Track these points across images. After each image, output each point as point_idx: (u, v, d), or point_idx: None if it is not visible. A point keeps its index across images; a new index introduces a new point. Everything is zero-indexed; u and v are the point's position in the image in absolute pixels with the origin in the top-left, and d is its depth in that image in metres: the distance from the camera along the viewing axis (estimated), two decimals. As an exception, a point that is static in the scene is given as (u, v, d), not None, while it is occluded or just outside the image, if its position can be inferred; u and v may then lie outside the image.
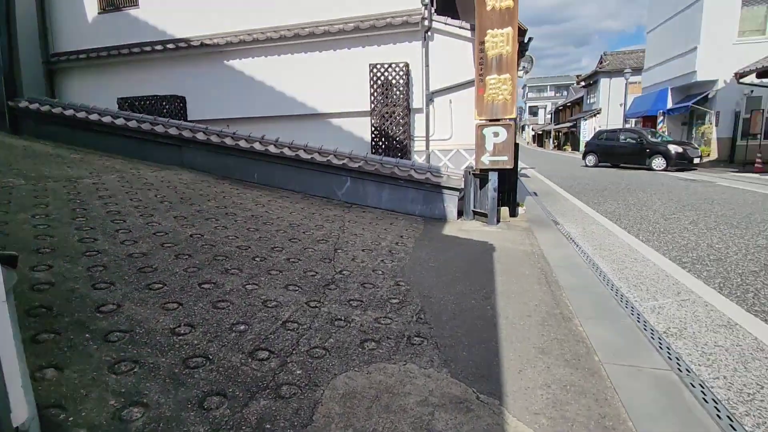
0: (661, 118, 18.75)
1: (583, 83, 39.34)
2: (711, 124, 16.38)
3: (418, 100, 7.14)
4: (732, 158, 16.31)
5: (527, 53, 14.40)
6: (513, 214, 7.01)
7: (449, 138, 7.16)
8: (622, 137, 16.38)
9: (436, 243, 5.06)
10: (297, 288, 3.02)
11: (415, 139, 7.32)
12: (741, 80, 12.74)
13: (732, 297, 3.24)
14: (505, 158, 5.95)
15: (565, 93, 69.57)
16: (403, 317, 2.75)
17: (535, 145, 62.41)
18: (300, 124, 7.84)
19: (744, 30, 15.78)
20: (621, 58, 33.19)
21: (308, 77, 7.64)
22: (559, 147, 44.06)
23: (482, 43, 5.73)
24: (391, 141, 7.17)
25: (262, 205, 5.43)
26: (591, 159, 17.39)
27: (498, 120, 5.86)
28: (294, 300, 2.82)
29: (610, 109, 33.06)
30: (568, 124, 40.83)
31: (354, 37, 7.22)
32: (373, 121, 7.20)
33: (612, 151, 16.49)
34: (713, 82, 16.34)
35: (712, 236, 5.20)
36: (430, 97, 7.12)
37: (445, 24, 6.77)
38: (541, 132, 61.06)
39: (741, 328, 2.71)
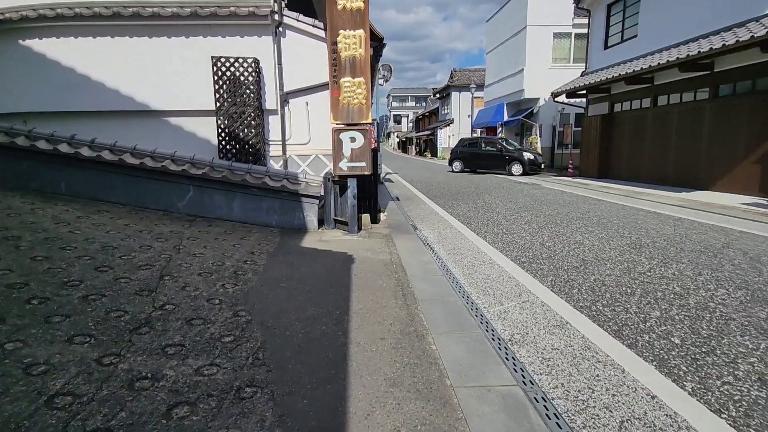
0: (500, 128, 21.49)
1: (438, 95, 43.11)
2: (536, 135, 19.36)
3: (271, 101, 6.58)
4: (552, 164, 19.48)
5: (387, 63, 14.90)
6: (374, 220, 6.94)
7: (307, 142, 6.77)
8: (484, 145, 17.89)
9: (291, 257, 4.61)
10: (88, 339, 2.26)
11: (271, 143, 6.74)
12: (555, 99, 15.28)
13: (562, 294, 3.53)
14: (363, 164, 5.80)
15: (424, 103, 75.61)
16: (235, 361, 2.24)
17: (400, 151, 66.33)
18: (129, 123, 6.54)
19: (556, 57, 19.02)
20: (467, 74, 37.31)
21: (137, 67, 6.42)
22: (420, 153, 47.48)
23: (335, 43, 5.48)
24: (243, 145, 6.45)
25: (66, 224, 4.26)
26: (457, 165, 18.43)
27: (354, 125, 5.69)
28: (78, 358, 2.08)
29: (461, 120, 36.88)
30: (427, 132, 44.26)
31: (192, 24, 6.30)
32: (220, 122, 6.38)
33: (476, 158, 17.84)
34: (536, 100, 19.30)
35: (542, 235, 5.84)
36: (285, 98, 6.63)
37: (297, 21, 6.36)
38: (404, 139, 65.14)
39: (571, 327, 2.91)
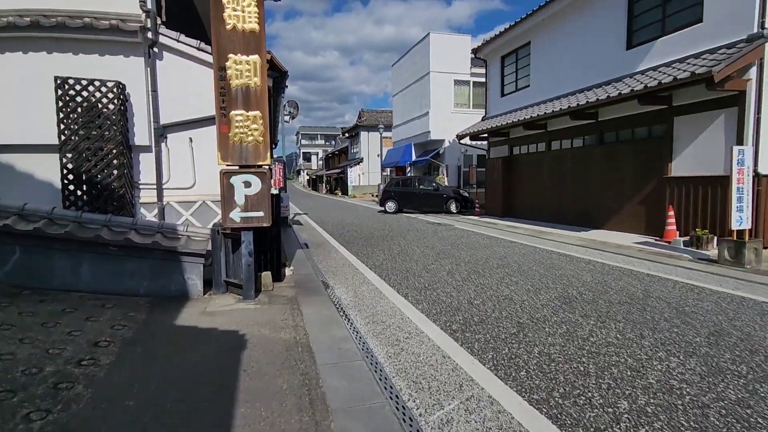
0: (409, 168, 21.82)
1: (347, 135, 43.44)
2: (444, 175, 19.93)
3: (142, 135, 5.30)
4: (460, 203, 20.04)
5: (293, 100, 14.14)
6: (278, 278, 5.86)
7: (191, 186, 5.55)
8: (418, 184, 17.21)
9: (157, 346, 3.36)
10: None
11: (142, 187, 5.39)
12: (460, 141, 15.85)
13: (510, 380, 2.86)
14: (261, 214, 4.78)
15: (333, 142, 76.12)
16: None
17: (310, 188, 65.14)
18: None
19: (457, 102, 20.08)
20: (375, 115, 38.25)
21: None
22: (331, 191, 46.87)
23: (222, 69, 4.53)
24: (101, 190, 5.02)
25: None
26: (391, 205, 17.22)
27: (249, 167, 4.69)
28: None
29: (370, 159, 37.32)
30: (337, 170, 43.98)
31: (32, 36, 4.87)
32: (66, 160, 4.90)
33: (411, 198, 17.01)
34: (442, 141, 20.00)
35: (468, 290, 5.30)
36: (163, 133, 5.40)
37: (177, 41, 5.29)
38: (315, 177, 64.24)
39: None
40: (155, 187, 5.35)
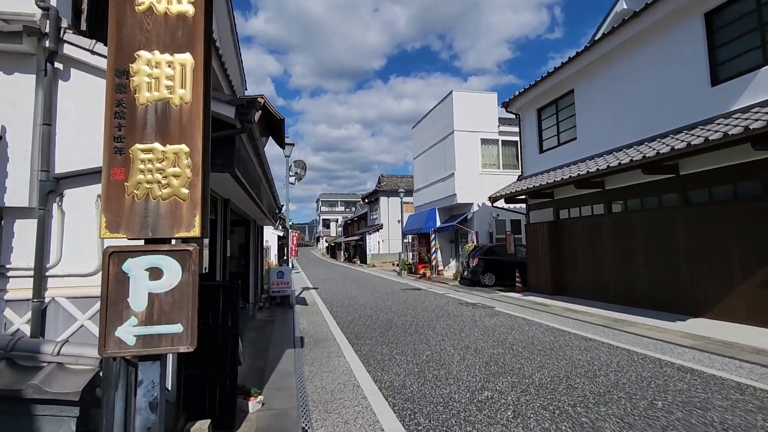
0: (433, 235, 19.60)
1: (366, 200, 42.23)
2: (473, 242, 17.57)
3: (20, 192, 3.31)
4: (493, 275, 17.39)
5: (300, 160, 12.50)
6: (230, 424, 3.48)
7: (95, 272, 3.41)
8: (513, 251, 14.58)
9: None
10: None
11: (11, 273, 3.29)
12: (494, 204, 13.71)
13: None
14: (177, 329, 2.52)
15: (353, 208, 75.58)
16: None
17: (329, 256, 63.28)
18: None
19: (485, 163, 18.25)
20: (395, 180, 37.07)
21: None
22: (349, 259, 44.73)
23: (124, 73, 2.56)
24: None
25: None
26: (490, 278, 14.86)
27: (161, 241, 2.54)
28: None
29: (390, 225, 35.47)
30: (356, 237, 42.18)
31: None
32: None
33: (502, 267, 14.69)
34: (470, 205, 17.89)
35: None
36: (54, 188, 3.40)
37: (91, 52, 3.47)
38: (333, 244, 62.64)
39: None
40: (32, 273, 3.27)
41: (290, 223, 37.76)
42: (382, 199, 35.94)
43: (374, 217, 38.44)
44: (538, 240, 12.58)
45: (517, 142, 18.37)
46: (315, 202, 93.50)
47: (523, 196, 13.24)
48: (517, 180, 13.90)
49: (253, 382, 4.93)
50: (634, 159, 7.92)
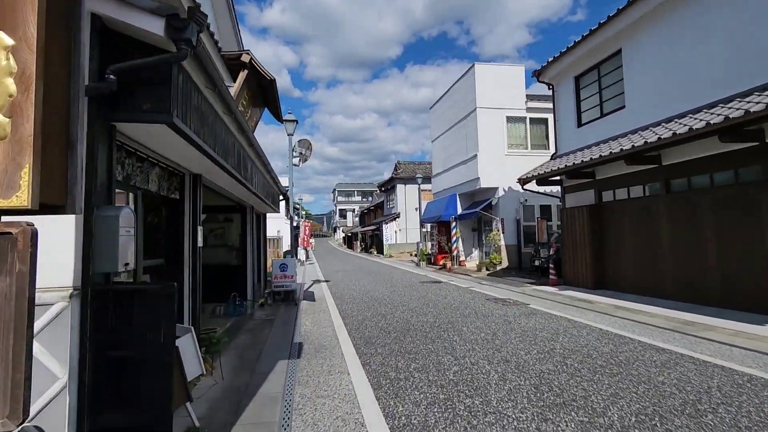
0: (454, 223, 18.13)
1: (382, 189, 40.87)
2: (498, 231, 16.06)
3: None
4: (520, 265, 15.91)
5: (305, 139, 11.20)
6: None
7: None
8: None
9: None
10: None
11: None
12: (524, 186, 12.16)
13: None
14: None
15: (370, 198, 74.35)
16: None
17: (346, 246, 62.39)
18: None
19: (511, 143, 16.61)
20: (412, 167, 35.55)
21: None
22: (366, 249, 43.63)
23: None
24: None
25: None
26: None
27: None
28: None
29: (408, 214, 34.08)
30: (372, 227, 40.98)
31: None
32: None
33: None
34: (494, 190, 16.34)
35: None
36: None
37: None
38: (350, 234, 61.68)
39: None
40: None
41: (302, 212, 36.74)
42: (399, 187, 34.51)
43: (391, 205, 37.09)
44: (575, 226, 11.02)
45: (546, 119, 16.69)
46: (331, 193, 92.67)
47: (558, 177, 11.67)
48: (551, 159, 12.30)
49: (225, 411, 3.69)
50: (713, 123, 6.31)
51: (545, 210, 16.39)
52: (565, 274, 11.52)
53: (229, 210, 8.92)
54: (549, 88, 12.67)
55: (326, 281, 14.93)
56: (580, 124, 11.34)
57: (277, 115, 8.81)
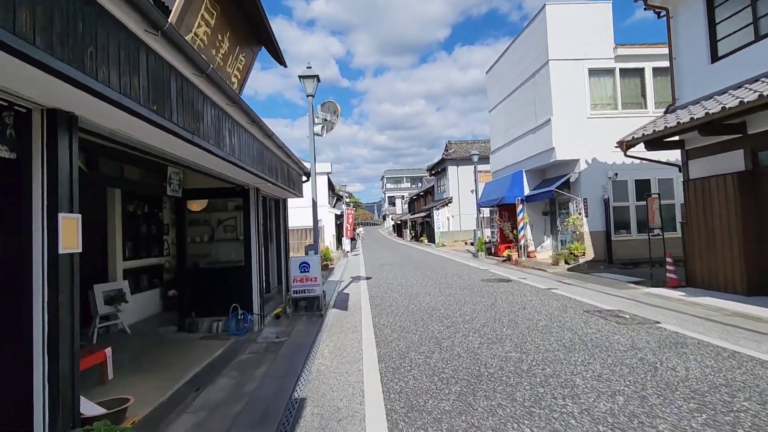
0: (520, 206, 14.99)
1: (432, 172, 37.88)
2: (579, 214, 12.77)
3: None
4: (609, 258, 12.57)
5: (331, 101, 8.77)
6: None
7: None
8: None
9: None
10: None
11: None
12: (628, 152, 8.91)
13: None
14: None
15: (419, 184, 71.33)
16: None
17: (396, 234, 60.13)
18: None
19: (596, 103, 13.12)
20: (465, 147, 32.21)
21: None
22: (416, 238, 41.03)
23: None
24: None
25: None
26: None
27: None
28: None
29: (461, 198, 30.92)
30: (422, 214, 38.24)
31: None
32: None
33: None
34: (574, 163, 13.01)
35: None
36: None
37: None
38: (399, 222, 59.31)
39: None
40: None
41: (347, 198, 34.66)
42: (451, 169, 31.37)
43: (442, 190, 34.05)
44: (712, 204, 7.70)
45: (642, 69, 13.02)
46: (380, 180, 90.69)
47: (677, 138, 8.32)
48: (667, 113, 8.90)
49: None
50: None
51: (642, 186, 12.84)
52: (692, 272, 8.24)
53: (225, 194, 6.70)
54: (660, 16, 9.20)
55: (367, 278, 12.55)
56: (715, 58, 7.89)
57: (278, 57, 6.41)
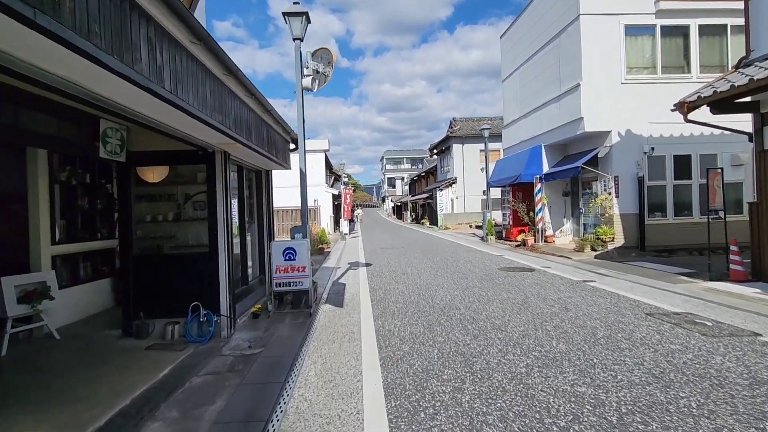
0: (538, 185, 13.41)
1: (435, 151, 36.10)
2: (610, 194, 11.23)
3: None
4: (642, 244, 11.08)
5: (326, 48, 7.15)
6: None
7: None
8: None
9: None
10: None
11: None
12: (689, 115, 7.31)
13: None
14: None
15: (419, 165, 69.47)
16: None
17: (395, 216, 58.63)
18: None
19: (632, 66, 11.41)
20: (471, 123, 30.39)
21: None
22: (417, 220, 39.54)
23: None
24: None
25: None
26: None
27: None
28: None
29: (466, 178, 29.28)
30: (424, 195, 36.64)
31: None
32: None
33: None
34: (605, 136, 11.38)
35: None
36: None
37: None
38: (399, 204, 57.75)
39: None
40: None
41: (345, 178, 33.02)
42: (456, 147, 29.62)
43: (446, 169, 32.37)
44: (801, 180, 6.15)
45: (688, 28, 11.29)
46: (380, 161, 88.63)
47: (749, 99, 6.70)
48: (738, 67, 7.24)
49: None
50: None
51: (682, 162, 11.28)
52: (762, 263, 6.75)
53: (184, 159, 5.11)
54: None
55: (367, 265, 11.08)
56: (811, -5, 6.20)
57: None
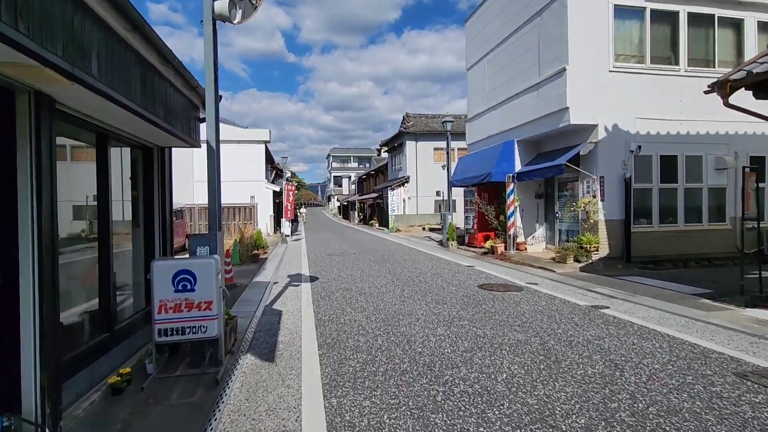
0: (510, 185, 11.84)
1: (386, 147, 34.22)
2: (594, 197, 9.86)
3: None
4: (628, 256, 9.80)
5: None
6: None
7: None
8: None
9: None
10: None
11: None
12: (729, 102, 5.88)
13: None
14: None
15: (367, 165, 67.48)
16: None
17: (341, 217, 56.09)
18: None
19: (620, 53, 10.12)
20: (425, 120, 28.85)
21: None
22: (365, 221, 37.44)
23: None
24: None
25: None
26: None
27: None
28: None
29: (420, 177, 27.63)
30: (373, 195, 34.62)
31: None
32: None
33: None
34: (590, 130, 9.98)
35: None
36: None
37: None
38: (346, 203, 55.31)
39: None
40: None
41: (288, 173, 30.20)
42: (409, 144, 27.89)
43: (398, 167, 30.58)
44: None
45: (675, 14, 10.20)
46: (326, 159, 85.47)
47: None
48: (759, 59, 5.89)
49: None
50: None
51: (669, 163, 10.18)
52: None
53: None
54: None
55: (312, 279, 8.75)
56: None
57: None
